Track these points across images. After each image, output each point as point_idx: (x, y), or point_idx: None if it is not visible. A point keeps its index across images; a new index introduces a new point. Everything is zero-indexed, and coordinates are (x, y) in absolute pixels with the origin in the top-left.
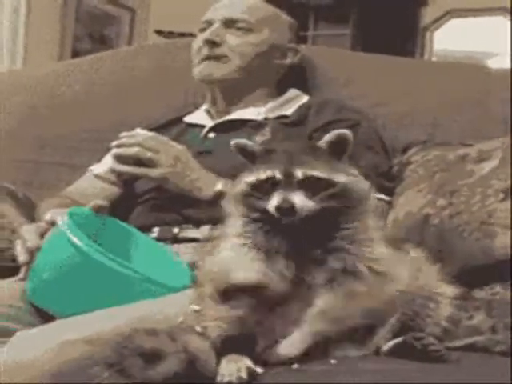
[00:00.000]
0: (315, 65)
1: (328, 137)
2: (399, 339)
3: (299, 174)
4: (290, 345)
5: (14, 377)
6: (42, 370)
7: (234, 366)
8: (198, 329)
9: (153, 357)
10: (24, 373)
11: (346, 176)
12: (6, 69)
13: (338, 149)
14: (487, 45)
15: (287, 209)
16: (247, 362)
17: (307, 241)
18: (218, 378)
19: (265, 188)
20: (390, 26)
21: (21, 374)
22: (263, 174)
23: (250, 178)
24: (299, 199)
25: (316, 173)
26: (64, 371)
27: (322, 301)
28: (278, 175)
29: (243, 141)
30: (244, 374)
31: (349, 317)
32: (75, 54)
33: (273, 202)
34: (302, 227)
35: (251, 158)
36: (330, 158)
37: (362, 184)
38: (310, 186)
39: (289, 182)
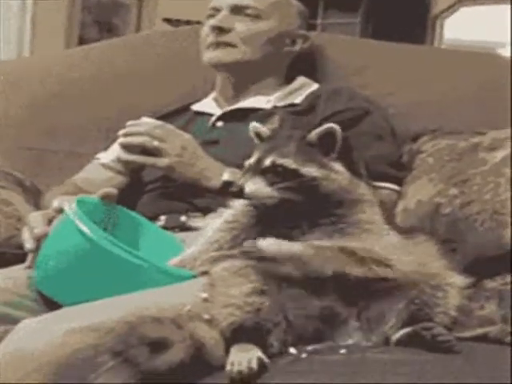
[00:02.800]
0: (325, 52)
1: (317, 131)
2: (408, 329)
3: (267, 161)
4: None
5: (19, 366)
6: (47, 360)
7: (245, 355)
8: (206, 316)
9: (158, 345)
10: (28, 362)
11: (320, 171)
12: (13, 56)
13: (327, 143)
14: (498, 34)
15: (236, 192)
16: (258, 352)
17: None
18: (228, 367)
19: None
20: (399, 14)
21: (25, 363)
22: (250, 160)
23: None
24: (252, 184)
25: (284, 162)
26: (69, 360)
27: None
28: (252, 161)
29: (258, 125)
30: (255, 365)
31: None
32: (82, 42)
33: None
34: (272, 216)
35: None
36: (314, 151)
37: (338, 182)
38: (276, 174)
39: (256, 168)
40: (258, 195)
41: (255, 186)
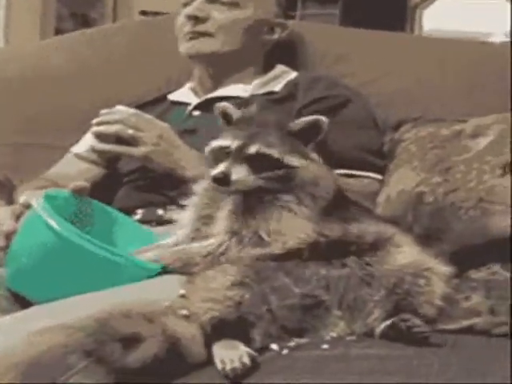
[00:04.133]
0: (305, 41)
1: (302, 121)
2: (389, 321)
3: (253, 149)
4: None
5: None
6: (16, 360)
7: (234, 352)
8: (184, 312)
9: (130, 341)
10: None
11: (300, 161)
12: None
13: (309, 133)
14: (479, 24)
15: (222, 179)
16: (245, 347)
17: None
18: (219, 365)
19: (220, 156)
20: (378, 5)
21: None
22: (223, 142)
23: (215, 142)
24: (238, 172)
25: (269, 151)
26: (39, 361)
27: None
28: (233, 146)
29: (226, 104)
30: (247, 360)
31: None
32: (58, 34)
33: (213, 171)
34: (245, 201)
35: (229, 122)
36: (296, 140)
37: (313, 172)
38: (259, 162)
39: (239, 155)
40: (244, 183)
41: (241, 174)
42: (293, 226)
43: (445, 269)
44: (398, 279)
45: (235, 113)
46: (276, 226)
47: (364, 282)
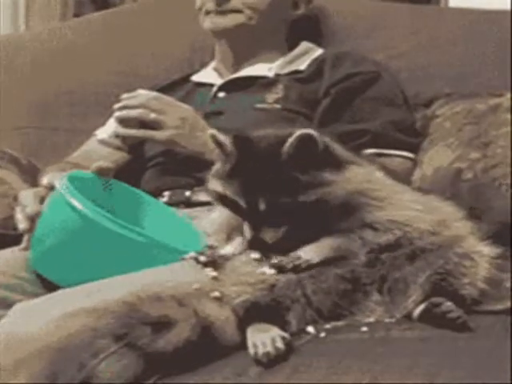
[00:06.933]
0: (330, 15)
1: (290, 142)
2: (423, 305)
3: (262, 205)
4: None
5: (13, 352)
6: (43, 345)
7: (267, 335)
8: (216, 294)
9: (161, 325)
10: (23, 347)
11: (317, 192)
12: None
13: (305, 155)
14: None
15: (255, 241)
16: (278, 330)
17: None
18: (251, 350)
19: (232, 204)
20: None
21: (19, 348)
22: (229, 193)
23: (217, 184)
24: (269, 235)
25: (280, 200)
26: (67, 345)
27: None
28: (242, 204)
29: (214, 132)
30: (281, 344)
31: None
32: None
33: (246, 234)
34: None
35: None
36: (297, 171)
37: (340, 189)
38: (277, 211)
39: (254, 213)
40: (275, 238)
41: (271, 234)
42: None
43: (491, 250)
44: (445, 259)
45: (224, 140)
46: None
47: (410, 258)
